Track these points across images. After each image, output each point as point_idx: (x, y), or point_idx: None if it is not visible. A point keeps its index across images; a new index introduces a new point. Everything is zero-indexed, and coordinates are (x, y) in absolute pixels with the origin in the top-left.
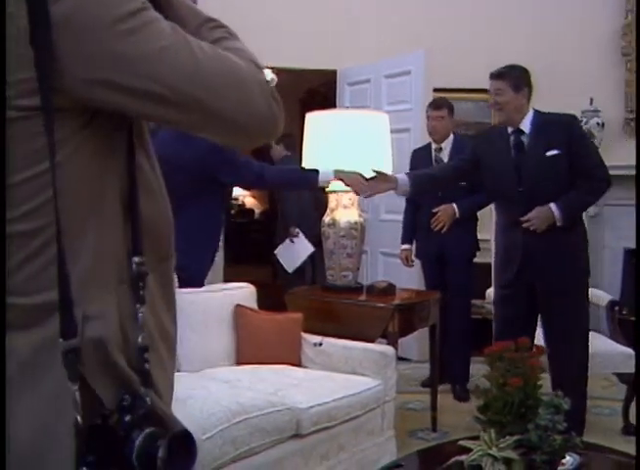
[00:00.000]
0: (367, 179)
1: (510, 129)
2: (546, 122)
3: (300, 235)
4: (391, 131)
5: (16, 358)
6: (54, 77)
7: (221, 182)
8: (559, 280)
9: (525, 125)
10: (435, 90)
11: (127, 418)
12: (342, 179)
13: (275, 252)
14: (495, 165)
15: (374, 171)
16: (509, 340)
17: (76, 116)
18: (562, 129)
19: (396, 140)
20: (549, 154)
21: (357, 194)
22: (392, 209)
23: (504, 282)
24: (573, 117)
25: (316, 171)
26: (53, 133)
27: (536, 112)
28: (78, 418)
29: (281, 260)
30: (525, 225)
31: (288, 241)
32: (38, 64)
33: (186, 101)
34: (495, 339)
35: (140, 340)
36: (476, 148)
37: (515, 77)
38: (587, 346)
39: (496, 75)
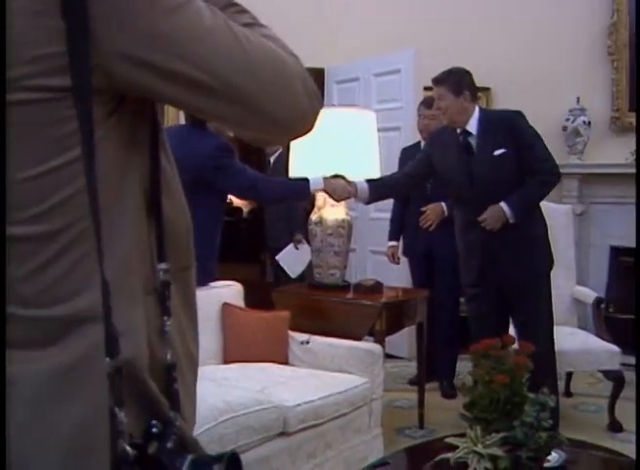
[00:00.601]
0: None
1: (459, 130)
2: (491, 122)
3: (303, 240)
4: (381, 130)
5: (30, 386)
6: (88, 51)
7: (216, 191)
8: (522, 276)
9: (472, 126)
10: (426, 88)
11: (169, 445)
12: (328, 193)
13: (277, 257)
14: (447, 167)
15: (336, 176)
16: (483, 337)
17: (105, 101)
18: (506, 127)
19: (386, 138)
20: (497, 153)
21: (337, 201)
22: (382, 207)
23: (470, 281)
24: (517, 113)
25: (306, 180)
26: (91, 113)
27: (481, 111)
28: (128, 449)
29: (284, 267)
30: (482, 225)
31: (292, 246)
32: (71, 35)
33: (229, 91)
34: (472, 337)
35: (169, 357)
36: (427, 148)
37: (454, 82)
38: (552, 340)
39: (435, 82)
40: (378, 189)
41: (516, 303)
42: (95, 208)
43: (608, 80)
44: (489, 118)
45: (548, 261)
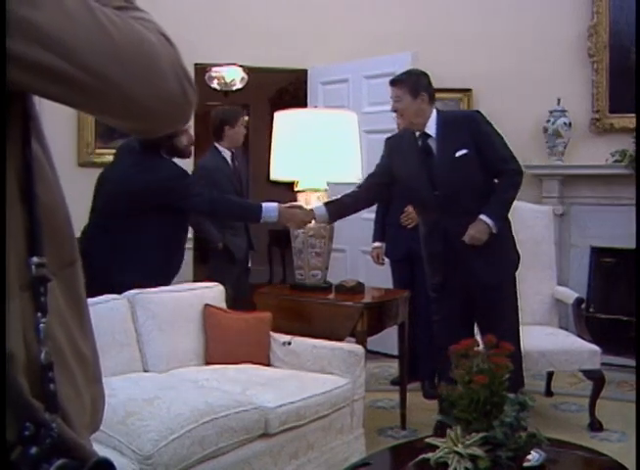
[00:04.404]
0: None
1: (417, 133)
2: (450, 123)
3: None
4: (373, 132)
5: None
6: None
7: (175, 209)
8: (487, 277)
9: (431, 128)
10: None
11: (33, 451)
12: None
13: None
14: (408, 173)
15: (293, 206)
16: (448, 339)
17: None
18: (465, 128)
19: (378, 141)
20: (458, 154)
21: (300, 228)
22: (374, 208)
23: (434, 286)
24: (475, 113)
25: (260, 207)
26: None
27: (439, 112)
28: None
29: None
30: (468, 242)
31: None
32: None
33: (89, 78)
34: (435, 338)
35: (43, 356)
36: (386, 156)
37: (412, 83)
38: (519, 340)
39: (393, 82)
40: (338, 210)
41: (481, 305)
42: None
43: (588, 82)
44: (448, 120)
45: (513, 262)
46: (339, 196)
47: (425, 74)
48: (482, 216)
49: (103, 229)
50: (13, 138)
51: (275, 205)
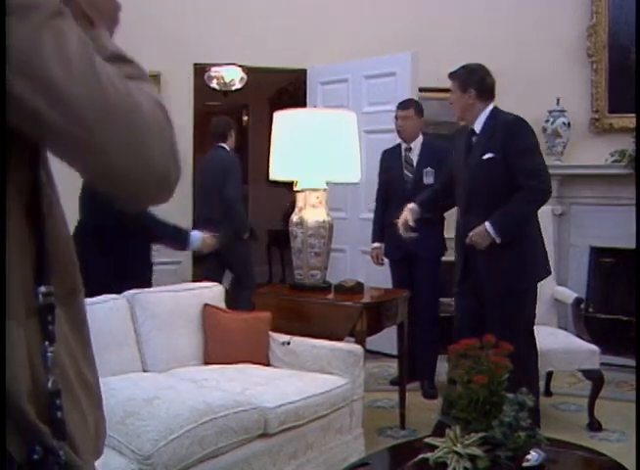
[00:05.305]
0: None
1: (470, 128)
2: (494, 124)
3: None
4: (374, 132)
5: None
6: None
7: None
8: (495, 282)
9: (478, 125)
10: (421, 90)
11: None
12: None
13: None
14: (455, 165)
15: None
16: (466, 335)
17: None
18: (503, 132)
19: (379, 140)
20: (485, 157)
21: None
22: (372, 208)
23: (456, 282)
24: (519, 119)
25: (187, 234)
26: None
27: (493, 111)
28: None
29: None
30: (467, 243)
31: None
32: None
33: (72, 125)
34: (455, 334)
35: (50, 384)
36: (451, 147)
37: (462, 78)
38: (531, 346)
39: (449, 75)
40: (427, 205)
41: (488, 307)
42: None
43: (587, 82)
44: (494, 121)
45: (529, 273)
46: (424, 194)
47: (478, 70)
48: (486, 223)
49: (88, 233)
50: (22, 161)
51: (199, 235)
